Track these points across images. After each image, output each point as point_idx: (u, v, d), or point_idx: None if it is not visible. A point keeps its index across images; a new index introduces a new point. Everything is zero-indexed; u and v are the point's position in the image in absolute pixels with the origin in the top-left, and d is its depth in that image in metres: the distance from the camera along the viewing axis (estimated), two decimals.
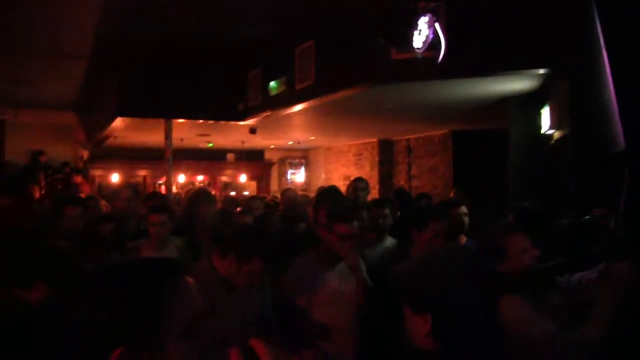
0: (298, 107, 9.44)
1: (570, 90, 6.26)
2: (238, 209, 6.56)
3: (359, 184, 6.56)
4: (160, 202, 6.23)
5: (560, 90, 6.65)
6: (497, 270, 3.05)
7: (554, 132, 6.99)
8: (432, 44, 6.42)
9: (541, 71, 6.61)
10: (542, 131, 7.33)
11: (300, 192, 10.39)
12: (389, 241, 5.30)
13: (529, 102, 7.84)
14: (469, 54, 6.53)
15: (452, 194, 9.10)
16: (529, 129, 7.84)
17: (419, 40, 6.51)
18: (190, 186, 15.97)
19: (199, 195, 6.05)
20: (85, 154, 15.39)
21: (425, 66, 6.71)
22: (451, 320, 1.95)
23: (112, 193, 11.40)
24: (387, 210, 5.55)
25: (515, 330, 2.59)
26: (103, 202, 7.69)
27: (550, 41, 6.15)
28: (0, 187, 9.98)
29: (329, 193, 5.81)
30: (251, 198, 7.65)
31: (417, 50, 6.56)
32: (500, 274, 3.04)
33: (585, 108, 5.93)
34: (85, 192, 11.94)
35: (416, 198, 8.67)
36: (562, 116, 6.62)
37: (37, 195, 10.01)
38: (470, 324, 1.98)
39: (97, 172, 16.10)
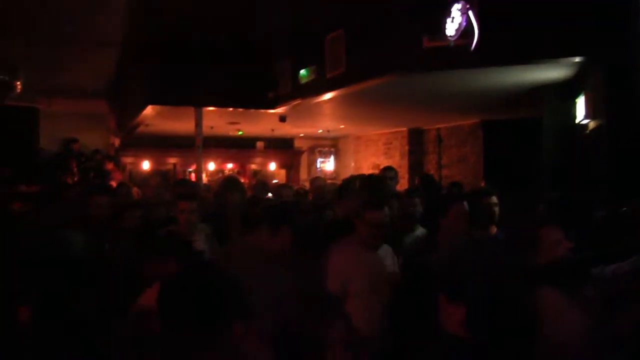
0: (328, 96, 9.40)
1: (607, 79, 6.14)
2: (269, 194, 6.58)
3: (387, 173, 6.53)
4: (189, 190, 6.28)
5: (596, 79, 6.53)
6: (531, 262, 3.01)
7: (589, 122, 6.87)
8: (465, 32, 6.35)
9: (576, 59, 6.49)
10: (577, 121, 7.20)
11: (329, 181, 10.37)
12: (420, 230, 5.28)
13: (563, 91, 7.71)
14: (503, 42, 6.44)
15: (483, 184, 9.00)
16: (563, 119, 7.72)
17: (451, 28, 6.44)
18: (220, 174, 16.08)
19: (227, 183, 6.06)
20: (117, 141, 15.53)
21: (457, 54, 6.62)
22: (484, 310, 1.93)
23: (142, 180, 11.53)
24: (417, 200, 5.53)
25: (549, 323, 2.55)
26: (135, 189, 7.76)
27: (586, 28, 6.04)
28: (33, 175, 10.14)
29: (352, 183, 5.83)
30: (281, 186, 7.64)
31: (449, 38, 6.48)
32: (535, 265, 3.00)
33: (622, 97, 5.82)
34: (116, 179, 12.06)
35: (447, 187, 8.61)
36: (598, 106, 6.49)
37: (69, 182, 10.14)
38: (502, 314, 1.96)
39: (128, 160, 16.25)
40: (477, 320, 1.92)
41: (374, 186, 5.59)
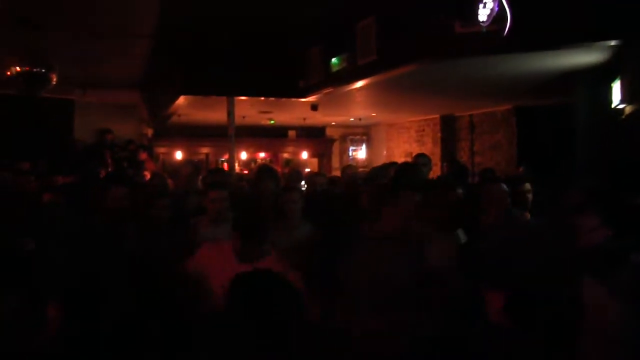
0: (360, 83, 9.37)
1: None
2: (302, 183, 6.60)
3: (420, 160, 6.52)
4: (221, 178, 6.32)
5: (633, 63, 6.40)
6: (569, 249, 2.98)
7: (625, 107, 6.74)
8: (498, 17, 6.27)
9: (612, 43, 6.36)
10: (613, 106, 7.08)
11: (361, 170, 10.36)
12: None
13: (598, 76, 7.58)
14: (536, 27, 6.34)
15: (520, 170, 8.87)
16: (598, 104, 7.60)
17: (483, 13, 6.36)
18: (252, 163, 16.18)
19: (261, 172, 6.10)
20: (150, 131, 15.69)
21: (490, 40, 6.54)
22: (523, 299, 1.93)
23: (174, 170, 11.65)
24: (459, 190, 5.52)
25: (589, 312, 2.53)
26: (169, 180, 7.84)
27: (621, 11, 5.91)
28: (68, 166, 10.32)
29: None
30: (314, 174, 7.64)
31: (482, 24, 6.41)
32: (574, 254, 2.96)
33: None
34: (149, 169, 12.20)
35: (479, 173, 8.55)
36: (635, 90, 6.37)
37: (103, 174, 10.29)
38: (541, 303, 1.96)
39: (161, 150, 16.43)
40: (516, 309, 1.92)
41: (408, 171, 5.60)
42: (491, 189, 4.70)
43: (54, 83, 8.62)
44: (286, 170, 14.18)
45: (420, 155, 6.77)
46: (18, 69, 8.15)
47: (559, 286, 2.73)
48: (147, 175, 10.39)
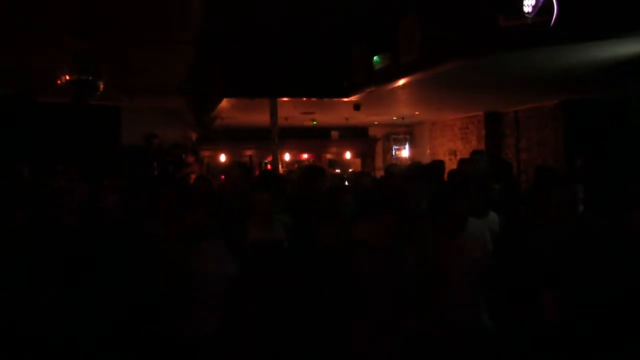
0: (402, 82, 9.30)
1: None
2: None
3: (473, 156, 6.51)
4: (265, 180, 6.34)
5: None
6: (623, 248, 2.90)
7: None
8: (543, 8, 6.15)
9: None
10: None
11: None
12: (492, 216, 5.19)
13: None
14: (584, 16, 6.18)
15: (578, 163, 8.57)
16: None
17: (528, 4, 6.25)
18: (296, 165, 16.24)
19: (310, 172, 6.10)
20: (194, 135, 15.91)
21: (535, 32, 6.41)
22: (575, 298, 1.89)
23: (223, 172, 11.77)
24: (496, 186, 5.47)
25: None
26: (216, 183, 7.92)
27: None
28: (116, 171, 10.52)
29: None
30: (359, 173, 7.62)
31: (527, 16, 6.30)
32: (629, 252, 2.89)
33: None
34: (196, 172, 12.38)
35: (537, 172, 8.34)
36: None
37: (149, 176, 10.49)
38: (594, 303, 1.91)
39: (205, 153, 16.64)
40: (567, 307, 1.88)
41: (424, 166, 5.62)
42: (551, 195, 4.36)
43: (101, 90, 8.82)
44: (330, 171, 14.20)
45: (474, 152, 6.76)
46: (68, 77, 8.35)
47: (613, 287, 2.66)
48: (193, 178, 10.53)
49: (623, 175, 6.38)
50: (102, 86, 8.68)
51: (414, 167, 6.84)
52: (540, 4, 6.12)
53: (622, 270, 2.75)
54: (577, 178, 5.31)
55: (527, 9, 6.25)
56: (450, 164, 11.24)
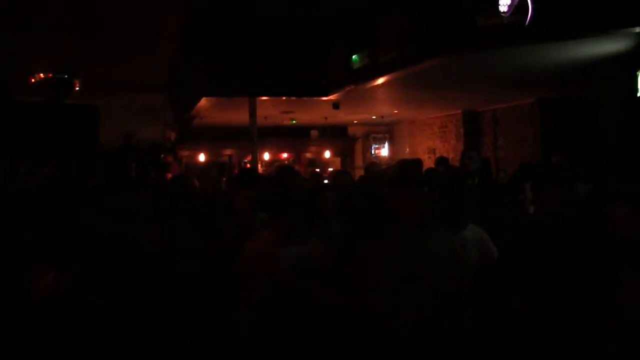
0: (381, 80, 9.33)
1: None
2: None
3: (467, 153, 6.53)
4: (245, 177, 6.32)
5: None
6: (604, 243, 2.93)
7: None
8: (519, 7, 6.21)
9: (637, 30, 6.25)
10: (638, 95, 6.98)
11: (384, 167, 10.32)
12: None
13: (623, 65, 7.46)
14: (558, 16, 6.26)
15: (553, 160, 8.63)
16: (623, 94, 7.48)
17: (504, 4, 6.31)
18: (276, 164, 16.20)
19: (285, 171, 6.09)
20: (173, 135, 15.82)
21: (511, 31, 6.48)
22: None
23: (200, 172, 11.70)
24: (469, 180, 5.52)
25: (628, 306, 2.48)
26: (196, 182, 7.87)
27: None
28: (95, 170, 10.42)
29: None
30: (340, 172, 7.61)
31: (503, 15, 6.35)
32: (608, 246, 2.91)
33: None
34: (174, 171, 12.30)
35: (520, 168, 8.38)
36: None
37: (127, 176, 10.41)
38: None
39: (184, 153, 16.56)
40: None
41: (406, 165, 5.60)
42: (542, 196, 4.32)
43: (77, 89, 8.73)
44: (310, 170, 14.20)
45: (467, 149, 6.78)
46: (42, 75, 8.25)
47: (589, 280, 2.67)
48: (169, 177, 10.48)
49: (597, 170, 6.45)
50: (78, 84, 8.59)
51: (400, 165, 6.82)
52: (515, 4, 6.18)
53: (595, 266, 2.78)
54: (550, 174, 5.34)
55: (502, 8, 6.31)
56: (429, 162, 11.27)
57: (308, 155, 18.04)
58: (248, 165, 14.66)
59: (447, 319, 3.20)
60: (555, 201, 3.80)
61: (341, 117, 14.96)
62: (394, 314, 3.19)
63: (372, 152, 18.79)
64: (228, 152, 16.96)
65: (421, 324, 3.17)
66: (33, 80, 8.31)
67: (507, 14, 6.30)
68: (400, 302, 3.20)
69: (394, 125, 18.46)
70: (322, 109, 12.84)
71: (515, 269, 3.25)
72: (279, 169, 7.06)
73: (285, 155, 17.75)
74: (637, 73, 7.00)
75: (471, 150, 6.72)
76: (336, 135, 18.30)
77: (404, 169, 6.21)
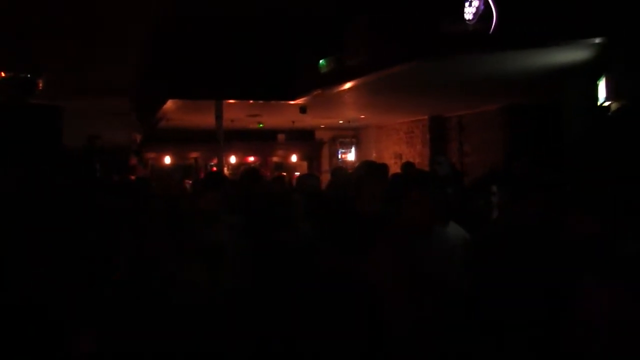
0: (348, 85, 9.37)
1: (628, 60, 6.05)
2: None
3: (437, 158, 6.58)
4: (212, 181, 6.30)
5: (617, 60, 6.44)
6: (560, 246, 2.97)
7: (611, 104, 6.78)
8: (483, 15, 6.29)
9: (597, 40, 6.39)
10: (599, 103, 7.12)
11: (351, 171, 10.35)
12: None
13: (585, 74, 7.61)
14: (521, 24, 6.36)
15: (515, 165, 8.75)
16: (585, 101, 7.63)
17: (469, 11, 6.39)
18: (242, 167, 16.16)
19: (250, 174, 6.08)
20: (139, 137, 15.67)
21: (476, 39, 6.56)
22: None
23: (165, 175, 11.61)
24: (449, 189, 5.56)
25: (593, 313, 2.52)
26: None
27: (606, 8, 5.94)
28: (58, 172, 10.25)
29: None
30: (307, 176, 7.59)
31: (467, 22, 6.43)
32: (564, 249, 2.96)
33: None
34: (138, 174, 12.19)
35: (489, 170, 8.49)
36: (620, 87, 6.41)
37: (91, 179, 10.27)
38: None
39: (150, 155, 16.40)
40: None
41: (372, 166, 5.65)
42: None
43: (41, 89, 8.58)
44: (276, 174, 14.18)
45: (437, 154, 6.83)
46: (3, 74, 8.10)
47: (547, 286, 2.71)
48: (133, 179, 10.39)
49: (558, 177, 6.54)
50: (41, 84, 8.45)
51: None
52: (480, 12, 6.26)
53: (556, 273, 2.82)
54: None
55: (468, 16, 6.39)
56: (395, 167, 11.33)
57: (275, 159, 18.03)
58: (214, 169, 14.58)
59: (449, 319, 3.22)
60: (537, 206, 3.86)
61: (308, 121, 14.99)
62: (399, 313, 3.21)
63: (339, 156, 18.86)
64: (194, 154, 16.86)
65: (423, 324, 3.19)
66: None
67: (472, 22, 6.38)
68: (405, 301, 3.22)
69: (360, 130, 18.54)
70: (289, 112, 12.84)
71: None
72: (244, 172, 7.05)
73: (252, 158, 17.70)
74: (598, 82, 7.14)
75: (440, 156, 6.80)
76: (303, 139, 18.32)
77: (408, 169, 6.19)
